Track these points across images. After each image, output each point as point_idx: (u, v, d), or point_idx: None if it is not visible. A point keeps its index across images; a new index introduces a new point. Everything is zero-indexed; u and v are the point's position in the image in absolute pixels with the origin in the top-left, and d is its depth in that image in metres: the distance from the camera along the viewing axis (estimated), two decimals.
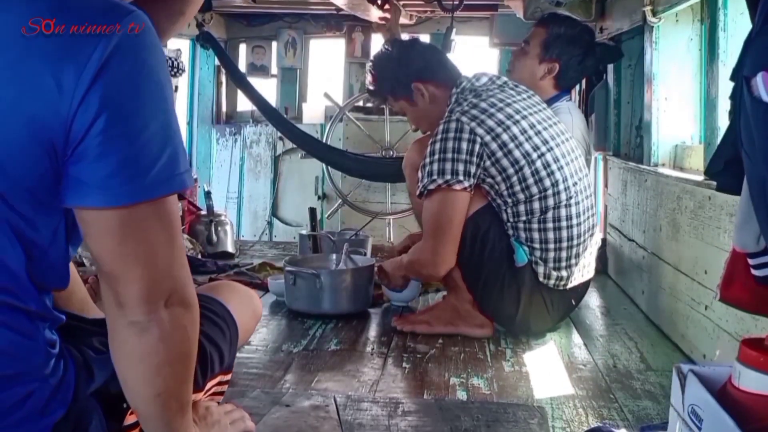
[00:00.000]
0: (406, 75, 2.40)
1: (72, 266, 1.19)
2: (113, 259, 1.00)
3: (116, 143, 0.96)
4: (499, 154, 2.21)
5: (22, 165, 0.95)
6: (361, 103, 5.21)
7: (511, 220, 2.26)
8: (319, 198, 5.54)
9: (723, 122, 1.94)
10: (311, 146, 4.57)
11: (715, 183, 1.47)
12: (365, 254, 3.02)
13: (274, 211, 5.79)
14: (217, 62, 5.31)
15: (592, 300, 2.78)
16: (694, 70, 2.68)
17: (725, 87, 1.91)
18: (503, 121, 2.24)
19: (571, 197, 2.26)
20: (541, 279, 2.27)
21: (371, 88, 2.53)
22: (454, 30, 4.00)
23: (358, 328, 2.41)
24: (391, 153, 4.79)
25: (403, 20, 4.98)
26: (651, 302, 2.55)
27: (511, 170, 2.22)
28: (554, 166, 2.25)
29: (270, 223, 5.76)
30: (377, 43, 5.49)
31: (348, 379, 1.95)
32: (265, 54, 5.84)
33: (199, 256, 3.30)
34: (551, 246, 2.25)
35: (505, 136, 2.22)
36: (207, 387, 1.41)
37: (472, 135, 2.21)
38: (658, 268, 2.46)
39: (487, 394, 1.85)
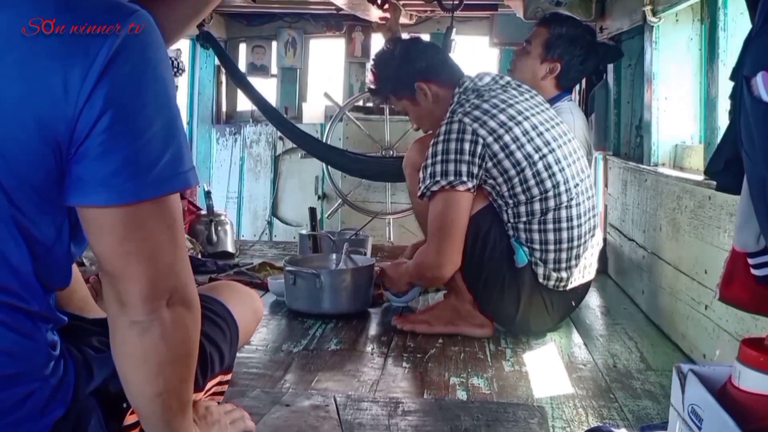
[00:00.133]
0: (409, 74, 2.40)
1: (73, 266, 1.19)
2: (115, 258, 1.00)
3: (120, 141, 0.96)
4: (501, 155, 2.21)
5: (29, 163, 0.96)
6: (361, 103, 5.22)
7: (511, 220, 2.26)
8: (319, 198, 5.54)
9: (723, 122, 1.94)
10: (311, 146, 4.58)
11: (714, 182, 1.47)
12: (365, 254, 3.02)
13: (274, 211, 5.80)
14: (217, 62, 5.31)
15: (592, 300, 2.78)
16: (694, 70, 2.68)
17: (725, 87, 1.91)
18: (505, 122, 2.23)
19: (572, 198, 2.26)
20: (540, 280, 2.27)
21: (373, 87, 2.52)
22: (454, 30, 4.00)
23: (358, 328, 2.41)
24: (391, 153, 4.79)
25: (403, 20, 4.98)
26: (651, 302, 2.55)
27: (512, 171, 2.22)
28: (556, 168, 2.24)
29: (270, 223, 5.76)
30: (377, 42, 5.50)
31: (348, 379, 1.95)
32: (265, 54, 5.85)
33: (199, 256, 3.30)
34: (551, 247, 2.25)
35: (507, 138, 2.22)
36: (207, 387, 1.41)
37: (475, 136, 2.21)
38: (658, 268, 2.46)
39: (487, 394, 1.85)
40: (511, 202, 2.24)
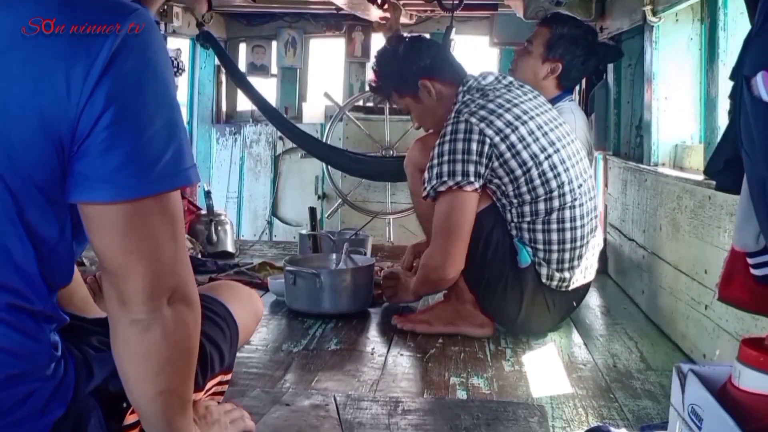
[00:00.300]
0: (412, 71, 2.38)
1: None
2: (117, 256, 1.01)
3: (121, 138, 0.97)
4: (508, 155, 2.21)
5: (34, 162, 0.97)
6: (361, 103, 5.22)
7: (515, 220, 2.26)
8: (319, 198, 5.54)
9: (723, 122, 1.94)
10: (311, 146, 4.58)
11: (714, 182, 1.48)
12: (365, 254, 3.02)
13: (274, 211, 5.80)
14: (217, 62, 5.31)
15: (592, 300, 2.78)
16: (694, 70, 2.68)
17: (725, 86, 1.91)
18: (511, 122, 2.23)
19: (575, 199, 2.26)
20: (544, 280, 2.27)
21: (375, 84, 2.50)
22: (454, 29, 4.00)
23: (358, 328, 2.41)
24: (391, 152, 4.79)
25: (403, 20, 4.98)
26: (651, 302, 2.55)
27: (519, 171, 2.21)
28: (561, 168, 2.24)
29: (270, 223, 5.76)
30: (377, 42, 5.50)
31: (348, 379, 1.95)
32: (265, 53, 5.85)
33: (199, 256, 3.30)
34: (554, 247, 2.25)
35: (513, 137, 2.21)
36: (207, 387, 1.41)
37: (482, 136, 2.20)
38: (658, 268, 2.46)
39: (487, 394, 1.85)
40: (515, 201, 2.24)
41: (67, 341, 1.11)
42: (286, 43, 5.75)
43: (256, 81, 5.18)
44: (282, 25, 5.73)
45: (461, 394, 1.85)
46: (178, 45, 4.80)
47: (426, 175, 2.26)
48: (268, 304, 2.67)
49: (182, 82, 4.92)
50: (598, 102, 3.54)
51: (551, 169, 2.23)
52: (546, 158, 2.23)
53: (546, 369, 2.06)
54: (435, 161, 2.23)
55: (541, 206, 2.23)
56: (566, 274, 2.29)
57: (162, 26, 4.30)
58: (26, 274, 1.01)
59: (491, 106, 2.26)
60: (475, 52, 5.68)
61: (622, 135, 3.31)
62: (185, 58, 4.82)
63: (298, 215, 5.55)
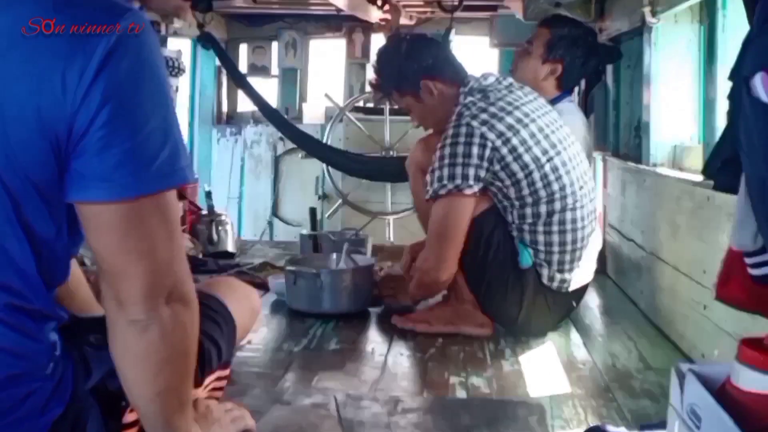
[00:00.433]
0: (414, 70, 2.36)
1: (76, 266, 1.20)
2: (114, 255, 1.01)
3: (118, 136, 0.97)
4: (509, 158, 2.21)
5: (31, 161, 0.97)
6: (361, 104, 5.22)
7: (516, 222, 2.26)
8: (319, 198, 5.54)
9: (722, 123, 1.94)
10: (311, 146, 4.58)
11: (712, 182, 1.48)
12: (365, 254, 3.03)
13: (275, 211, 5.80)
14: (218, 63, 5.31)
15: (592, 300, 2.79)
16: (693, 71, 2.68)
17: (724, 88, 1.90)
18: (513, 125, 2.23)
19: (576, 201, 2.27)
20: (544, 281, 2.28)
21: (376, 82, 2.49)
22: (453, 30, 4.01)
23: (358, 328, 2.42)
24: (392, 153, 4.80)
25: (403, 21, 4.99)
26: (650, 302, 2.55)
27: (520, 174, 2.21)
28: (562, 170, 2.24)
29: (270, 223, 5.76)
30: (377, 43, 5.49)
31: (348, 378, 1.95)
32: (265, 54, 5.85)
33: (200, 256, 3.31)
34: (555, 249, 2.26)
35: (515, 140, 2.21)
36: (206, 382, 1.42)
37: (483, 139, 2.20)
38: (657, 268, 2.47)
39: (486, 393, 1.86)
40: (517, 204, 2.25)
41: (65, 340, 1.12)
42: (286, 44, 5.75)
43: (256, 82, 5.19)
44: (282, 26, 5.74)
45: (461, 394, 1.85)
46: (179, 46, 4.80)
47: (428, 178, 2.26)
48: (269, 303, 2.67)
49: (183, 83, 4.92)
50: (597, 103, 3.54)
51: (553, 172, 2.23)
52: (548, 161, 2.23)
53: (545, 368, 2.07)
54: (436, 164, 2.23)
55: (543, 209, 2.24)
56: (566, 276, 2.29)
57: (163, 27, 4.30)
58: (24, 274, 1.01)
59: (493, 109, 2.25)
60: (475, 53, 5.69)
61: (621, 136, 3.31)
62: (186, 59, 4.82)
63: (298, 215, 5.55)
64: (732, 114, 1.29)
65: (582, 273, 2.34)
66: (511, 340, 2.31)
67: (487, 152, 2.20)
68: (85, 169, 0.98)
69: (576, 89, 3.41)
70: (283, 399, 1.77)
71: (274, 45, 5.81)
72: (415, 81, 2.37)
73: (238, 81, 4.71)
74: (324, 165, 4.87)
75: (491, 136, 2.20)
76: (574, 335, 2.39)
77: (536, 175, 2.22)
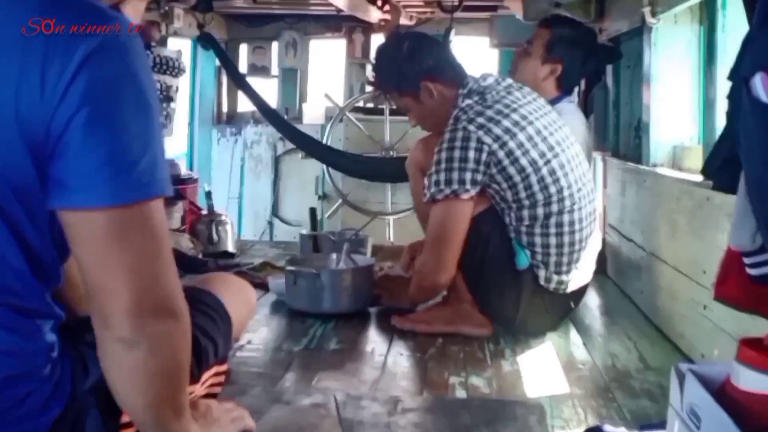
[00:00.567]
0: (415, 72, 2.35)
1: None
2: (97, 268, 0.98)
3: (95, 140, 0.95)
4: (506, 162, 2.20)
5: (10, 164, 0.96)
6: (361, 104, 5.22)
7: (513, 223, 2.26)
8: (319, 198, 5.54)
9: (721, 123, 1.94)
10: (310, 147, 4.59)
11: (711, 182, 1.48)
12: (365, 254, 3.03)
13: (275, 211, 5.80)
14: (218, 63, 5.32)
15: (592, 300, 2.79)
16: (693, 71, 2.68)
17: (724, 88, 1.90)
18: (510, 128, 2.22)
19: (574, 203, 2.26)
20: (541, 283, 2.27)
21: (375, 80, 2.47)
22: (453, 31, 4.02)
23: (358, 328, 2.42)
24: (392, 153, 4.80)
25: (403, 21, 4.99)
26: (650, 302, 2.55)
27: (517, 178, 2.21)
28: (560, 173, 2.24)
29: (270, 223, 5.77)
30: (377, 43, 5.48)
31: (348, 378, 1.96)
32: (265, 55, 5.85)
33: (200, 256, 3.31)
34: (552, 251, 2.25)
35: (511, 144, 2.21)
36: (203, 379, 1.42)
37: (479, 144, 2.20)
38: (656, 268, 2.47)
39: (486, 393, 1.86)
40: (514, 206, 2.24)
41: (63, 339, 1.11)
42: (286, 44, 5.76)
43: (256, 82, 5.19)
44: (282, 27, 5.74)
45: (461, 394, 1.86)
46: (179, 46, 4.80)
47: (426, 182, 2.26)
48: (269, 303, 2.68)
49: (183, 83, 4.92)
50: (597, 103, 3.54)
51: (550, 175, 2.23)
52: (545, 164, 2.23)
53: (545, 368, 2.07)
54: (433, 169, 2.24)
55: (540, 211, 2.23)
56: (564, 277, 2.29)
57: (163, 27, 4.30)
58: (18, 273, 1.01)
59: (489, 112, 2.25)
60: (475, 54, 5.69)
61: (621, 136, 3.31)
62: (186, 59, 4.82)
63: (298, 215, 5.55)
64: (731, 114, 1.29)
65: (580, 274, 2.34)
66: (511, 340, 2.31)
67: (484, 156, 2.20)
68: (62, 174, 0.96)
69: (576, 89, 3.42)
70: (282, 399, 1.77)
71: (274, 45, 5.81)
72: (415, 82, 2.36)
73: (238, 81, 4.72)
74: (324, 165, 4.87)
75: (488, 139, 2.20)
76: (574, 335, 2.39)
77: (533, 179, 2.21)
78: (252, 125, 5.82)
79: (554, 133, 2.29)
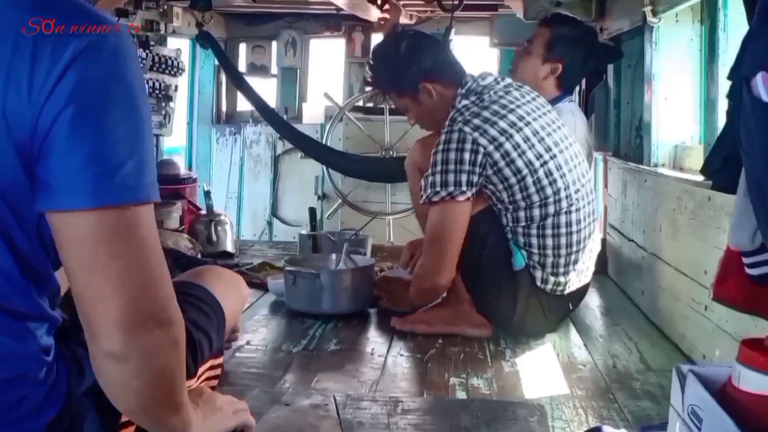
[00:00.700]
0: (414, 73, 2.34)
1: None
2: (83, 276, 0.97)
3: (81, 139, 0.95)
4: (502, 163, 2.20)
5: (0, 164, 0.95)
6: (361, 103, 5.21)
7: (510, 224, 2.26)
8: (319, 198, 5.54)
9: (723, 123, 1.94)
10: (309, 147, 4.58)
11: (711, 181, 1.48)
12: (365, 254, 3.02)
13: (274, 211, 5.80)
14: (217, 62, 5.31)
15: (592, 300, 2.78)
16: (694, 71, 2.68)
17: (725, 87, 1.90)
18: (506, 129, 2.21)
19: (572, 204, 2.25)
20: (538, 283, 2.26)
21: (372, 80, 2.45)
22: (453, 30, 4.00)
23: (357, 328, 2.41)
24: (392, 153, 4.80)
25: (403, 20, 4.98)
26: (651, 302, 2.55)
27: (513, 179, 2.20)
28: (557, 174, 2.23)
29: (270, 223, 5.76)
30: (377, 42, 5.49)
31: (348, 379, 1.95)
32: (265, 54, 5.84)
33: (199, 256, 3.30)
34: (549, 252, 2.25)
35: (508, 145, 2.20)
36: (200, 372, 1.42)
37: (475, 145, 2.19)
38: (657, 269, 2.46)
39: (486, 394, 1.85)
40: (510, 207, 2.24)
41: (58, 341, 1.11)
42: (286, 43, 5.75)
43: (256, 81, 5.19)
44: (282, 26, 5.73)
45: (461, 395, 1.85)
46: (178, 45, 4.80)
47: (422, 183, 2.26)
48: (268, 304, 2.67)
49: (182, 83, 4.92)
50: (598, 102, 3.54)
51: (546, 176, 2.22)
52: (541, 165, 2.22)
53: (546, 369, 2.06)
54: (430, 170, 2.23)
55: (536, 212, 2.22)
56: (561, 278, 2.28)
57: (162, 26, 4.30)
58: (9, 276, 1.00)
59: (486, 113, 2.24)
60: (475, 53, 5.69)
61: (621, 136, 3.31)
62: (185, 58, 4.82)
63: (298, 215, 5.55)
64: (732, 113, 1.28)
65: (578, 275, 2.33)
66: (512, 340, 2.30)
67: (480, 158, 2.19)
68: (48, 174, 0.95)
69: (576, 89, 3.42)
70: (282, 400, 1.76)
71: (274, 44, 5.80)
72: (414, 83, 2.35)
73: (236, 81, 4.71)
74: (323, 165, 4.86)
75: (483, 141, 2.19)
76: (575, 336, 2.39)
77: (529, 180, 2.20)
78: (251, 124, 5.81)
79: (552, 134, 2.28)
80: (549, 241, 2.24)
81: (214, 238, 3.50)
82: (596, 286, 2.84)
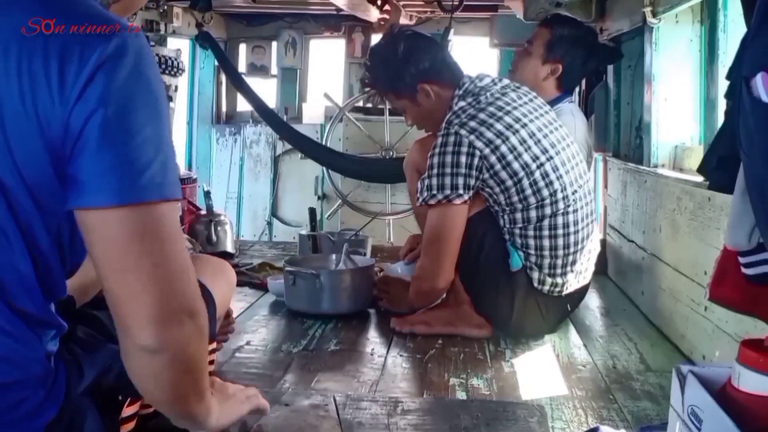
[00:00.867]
0: (411, 74, 2.34)
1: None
2: (115, 273, 0.99)
3: (113, 139, 0.97)
4: (498, 166, 2.19)
5: (27, 160, 0.97)
6: (360, 104, 5.22)
7: (507, 225, 2.25)
8: (318, 198, 5.54)
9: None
10: (308, 148, 4.58)
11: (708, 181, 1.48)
12: (365, 254, 3.02)
13: (274, 211, 5.80)
14: (217, 62, 5.32)
15: (592, 300, 2.78)
16: (694, 71, 2.68)
17: (725, 88, 1.91)
18: (502, 131, 2.21)
19: (569, 205, 2.25)
20: (535, 285, 2.26)
21: (369, 81, 2.45)
22: (452, 30, 4.01)
23: (357, 329, 2.41)
24: (391, 153, 4.80)
25: (403, 20, 4.99)
26: (651, 303, 2.55)
27: (509, 182, 2.20)
28: (554, 176, 2.22)
29: (270, 223, 5.77)
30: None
31: (348, 379, 1.95)
32: (265, 54, 5.85)
33: None
34: (546, 253, 2.24)
35: (504, 148, 2.19)
36: None
37: (471, 148, 2.19)
38: (657, 269, 2.46)
39: (486, 394, 1.85)
40: (507, 208, 2.23)
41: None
42: (286, 43, 5.75)
43: (255, 81, 5.20)
44: (282, 26, 5.74)
45: (461, 395, 1.85)
46: (178, 45, 4.80)
47: (419, 185, 2.26)
48: (268, 304, 2.67)
49: (182, 83, 4.92)
50: (597, 103, 3.54)
51: (543, 178, 2.21)
52: (538, 167, 2.21)
53: (545, 370, 2.06)
54: (426, 173, 2.23)
55: (533, 213, 2.22)
56: (559, 279, 2.27)
57: (162, 26, 4.30)
58: (23, 277, 1.01)
59: (482, 116, 2.23)
60: (475, 54, 5.69)
61: (621, 136, 3.31)
62: (185, 59, 4.82)
63: (297, 216, 5.55)
64: (730, 113, 1.28)
65: (577, 276, 2.32)
66: (511, 341, 2.30)
67: (476, 161, 2.19)
68: (80, 172, 0.98)
69: (576, 89, 3.42)
70: (282, 400, 1.76)
71: (274, 45, 5.81)
72: (412, 85, 2.35)
73: (235, 81, 4.71)
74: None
75: (479, 144, 2.19)
76: (574, 336, 2.38)
77: (525, 182, 2.20)
78: (251, 125, 5.82)
79: (549, 135, 2.27)
80: (546, 243, 2.24)
81: (214, 238, 3.50)
82: (596, 287, 2.84)
